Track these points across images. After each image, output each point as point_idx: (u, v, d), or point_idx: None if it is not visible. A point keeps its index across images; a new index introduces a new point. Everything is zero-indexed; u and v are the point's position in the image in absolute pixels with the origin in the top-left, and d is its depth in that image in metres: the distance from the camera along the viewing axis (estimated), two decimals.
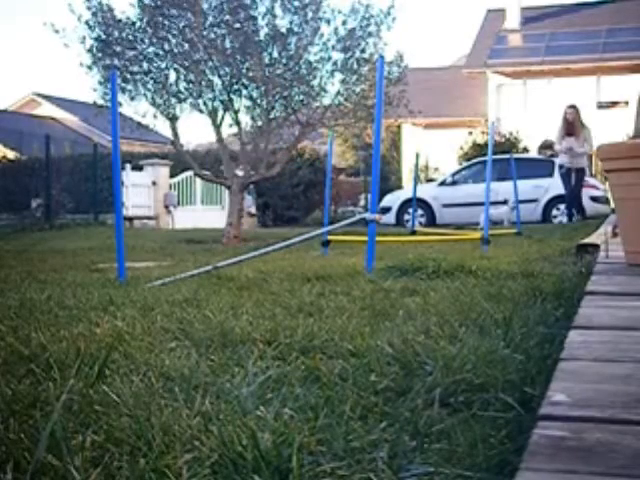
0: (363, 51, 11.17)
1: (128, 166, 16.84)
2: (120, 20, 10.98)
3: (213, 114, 11.46)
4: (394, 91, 11.31)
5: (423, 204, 15.00)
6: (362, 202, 23.05)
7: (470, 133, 22.37)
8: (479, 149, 20.27)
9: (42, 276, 4.74)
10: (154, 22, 10.82)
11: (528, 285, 3.21)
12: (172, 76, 11.21)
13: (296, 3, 10.82)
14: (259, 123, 11.65)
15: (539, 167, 14.96)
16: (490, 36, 25.86)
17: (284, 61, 10.96)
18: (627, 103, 21.36)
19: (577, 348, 1.64)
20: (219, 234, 11.30)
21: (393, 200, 15.68)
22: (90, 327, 2.44)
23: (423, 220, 15.02)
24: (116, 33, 10.90)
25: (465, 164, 17.18)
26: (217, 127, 11.62)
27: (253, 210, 19.78)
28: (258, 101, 11.37)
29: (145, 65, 11.08)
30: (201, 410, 1.51)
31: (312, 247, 7.51)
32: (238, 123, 11.66)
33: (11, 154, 19.16)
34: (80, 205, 16.30)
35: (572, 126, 11.64)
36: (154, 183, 17.90)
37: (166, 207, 18.15)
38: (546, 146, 15.85)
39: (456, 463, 1.22)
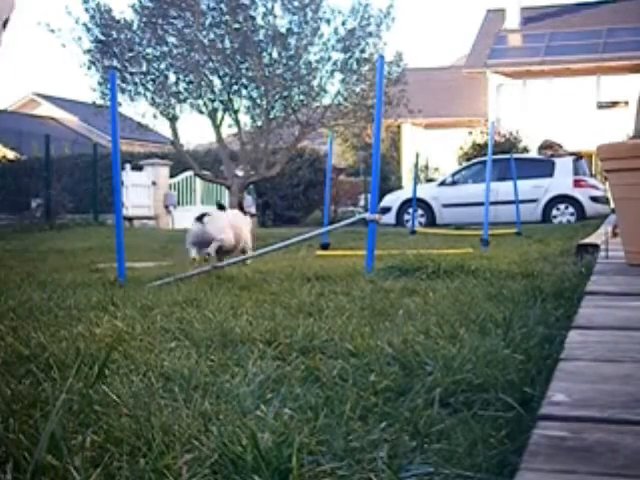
0: (363, 51, 11.18)
1: (128, 166, 16.83)
2: (119, 21, 10.98)
3: (213, 114, 11.47)
4: (394, 91, 11.31)
5: (423, 204, 15.00)
6: (362, 202, 23.05)
7: (470, 133, 22.38)
8: (479, 149, 20.28)
9: (42, 276, 4.73)
10: (153, 23, 10.83)
11: (528, 285, 3.21)
12: (172, 77, 11.22)
13: (296, 3, 10.83)
14: (259, 123, 11.66)
15: (539, 167, 14.96)
16: (490, 36, 25.87)
17: (284, 61, 10.96)
18: (627, 103, 21.35)
19: (577, 348, 1.64)
20: None
21: (393, 200, 15.68)
22: (90, 327, 2.44)
23: (423, 220, 15.02)
24: (114, 34, 10.91)
25: (465, 164, 17.19)
26: (217, 127, 11.62)
27: (253, 210, 19.77)
28: (258, 101, 11.37)
29: (144, 66, 11.09)
30: (201, 410, 1.51)
31: (312, 247, 7.51)
32: (238, 123, 11.66)
33: (11, 154, 19.15)
34: (80, 205, 16.28)
35: None
36: (154, 183, 17.89)
37: (166, 207, 18.14)
38: (546, 146, 15.82)
39: (456, 463, 1.22)
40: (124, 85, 10.93)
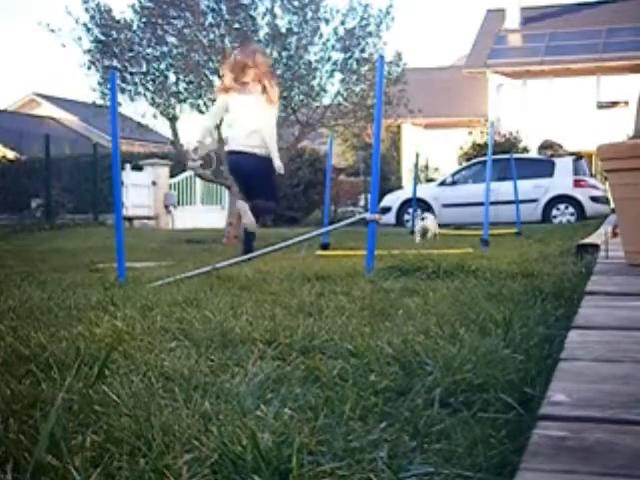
0: (362, 51, 11.17)
1: (128, 166, 16.84)
2: (119, 21, 10.97)
3: None
4: (394, 91, 11.31)
5: (423, 204, 15.01)
6: (362, 202, 23.05)
7: (470, 133, 22.38)
8: (479, 149, 20.29)
9: (42, 276, 4.73)
10: (152, 23, 10.82)
11: (528, 285, 3.21)
12: (172, 77, 11.21)
13: (295, 3, 10.82)
14: None
15: (539, 167, 14.97)
16: (490, 36, 25.87)
17: (284, 61, 10.95)
18: (627, 103, 21.36)
19: (577, 348, 1.64)
20: (219, 234, 11.30)
21: (393, 200, 15.69)
22: (90, 327, 2.44)
23: None
24: (114, 34, 10.90)
25: (465, 164, 17.19)
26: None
27: None
28: None
29: (144, 66, 11.08)
30: (201, 410, 1.51)
31: (312, 247, 7.50)
32: None
33: (11, 154, 19.16)
34: (80, 205, 16.29)
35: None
36: (154, 183, 17.89)
37: (166, 207, 18.14)
38: (546, 146, 15.83)
39: (456, 463, 1.22)
40: (124, 85, 10.92)
